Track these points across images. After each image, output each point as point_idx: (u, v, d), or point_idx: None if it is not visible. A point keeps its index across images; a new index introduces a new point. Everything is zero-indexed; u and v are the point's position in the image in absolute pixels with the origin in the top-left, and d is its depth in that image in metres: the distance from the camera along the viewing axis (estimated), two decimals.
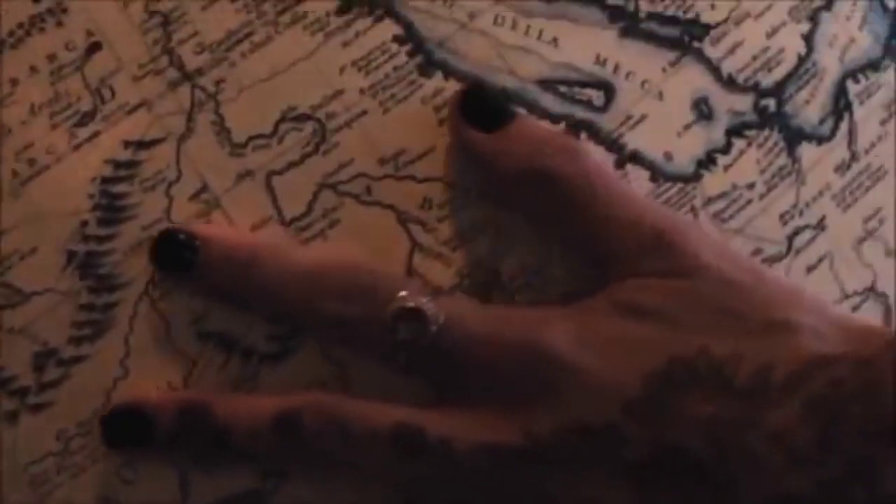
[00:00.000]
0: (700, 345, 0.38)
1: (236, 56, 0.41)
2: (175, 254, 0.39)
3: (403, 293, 0.39)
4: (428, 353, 0.39)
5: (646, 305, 0.39)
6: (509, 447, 0.38)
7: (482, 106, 0.40)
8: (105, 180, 0.41)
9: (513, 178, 0.40)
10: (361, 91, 0.41)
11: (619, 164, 0.42)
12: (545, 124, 0.41)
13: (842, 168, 0.44)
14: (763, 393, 0.37)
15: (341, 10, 0.42)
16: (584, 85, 0.42)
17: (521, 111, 0.41)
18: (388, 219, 0.41)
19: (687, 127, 0.42)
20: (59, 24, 0.41)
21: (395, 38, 0.42)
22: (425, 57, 0.42)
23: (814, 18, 0.44)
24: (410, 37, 0.42)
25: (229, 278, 0.39)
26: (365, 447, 0.39)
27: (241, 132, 0.41)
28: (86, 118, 0.40)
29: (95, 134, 0.40)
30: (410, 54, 0.42)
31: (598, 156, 0.41)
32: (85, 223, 0.40)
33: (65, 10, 0.41)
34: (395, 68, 0.42)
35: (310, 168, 0.41)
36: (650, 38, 0.43)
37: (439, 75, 0.42)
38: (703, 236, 0.40)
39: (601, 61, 0.42)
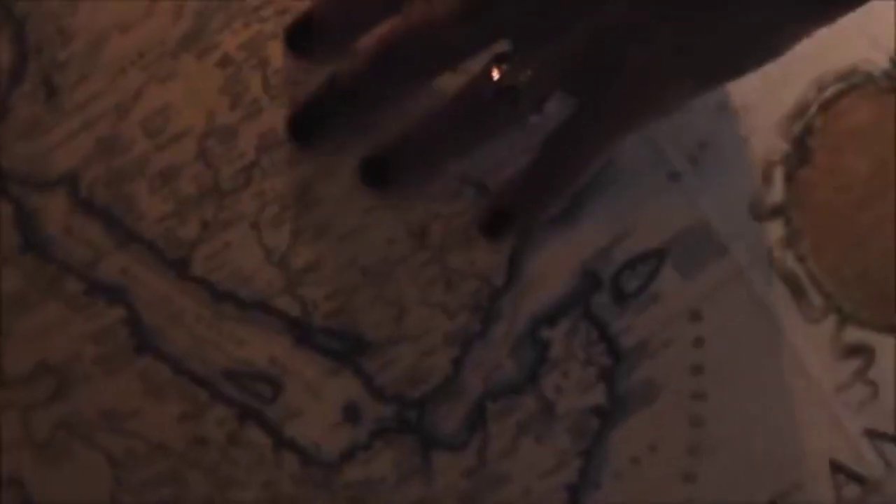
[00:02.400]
0: None
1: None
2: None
3: None
4: None
5: None
6: None
7: None
8: None
9: None
10: (93, 361, 0.54)
11: (276, 447, 0.53)
12: None
13: (469, 473, 0.52)
14: None
15: (87, 293, 0.54)
16: (258, 379, 0.52)
17: None
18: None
19: (337, 425, 0.52)
20: None
21: (121, 320, 0.53)
22: (140, 339, 0.53)
23: (466, 344, 0.52)
24: (135, 320, 0.53)
25: None
26: None
27: (7, 373, 0.55)
28: None
29: None
30: (132, 335, 0.53)
31: None
32: None
33: None
34: (118, 344, 0.53)
35: (54, 410, 0.54)
36: (319, 348, 0.52)
37: (150, 355, 0.53)
38: None
39: (275, 362, 0.52)
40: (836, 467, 0.52)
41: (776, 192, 0.52)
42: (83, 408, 0.54)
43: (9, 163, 0.54)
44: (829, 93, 0.53)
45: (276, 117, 0.53)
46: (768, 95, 0.52)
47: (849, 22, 0.51)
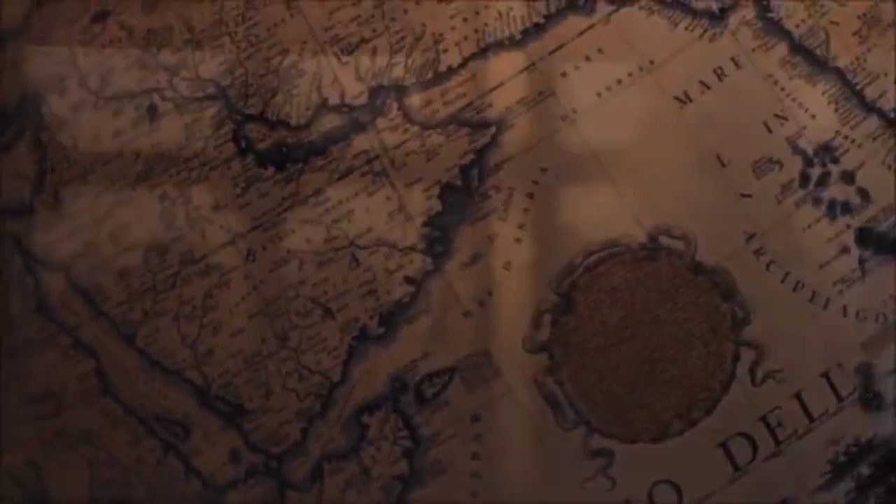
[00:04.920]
0: None
1: None
2: None
3: None
4: None
5: None
6: None
7: None
8: None
9: None
10: (77, 394, 0.77)
11: (186, 473, 0.75)
12: None
13: None
14: None
15: (73, 346, 0.76)
16: (175, 424, 0.74)
17: None
18: None
19: (225, 464, 0.73)
20: None
21: (94, 370, 0.76)
22: (105, 385, 0.76)
23: (310, 420, 0.72)
24: (102, 371, 0.76)
25: None
26: None
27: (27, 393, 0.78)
28: None
29: None
30: (99, 381, 0.76)
31: None
32: None
33: None
34: (92, 386, 0.76)
35: (53, 423, 0.78)
36: (214, 410, 0.73)
37: (110, 397, 0.76)
38: None
39: (186, 415, 0.74)
40: None
41: (544, 332, 0.69)
42: (70, 425, 0.77)
43: (31, 247, 0.77)
44: (593, 258, 0.68)
45: (195, 241, 0.73)
46: (544, 257, 0.68)
47: (617, 203, 0.66)
